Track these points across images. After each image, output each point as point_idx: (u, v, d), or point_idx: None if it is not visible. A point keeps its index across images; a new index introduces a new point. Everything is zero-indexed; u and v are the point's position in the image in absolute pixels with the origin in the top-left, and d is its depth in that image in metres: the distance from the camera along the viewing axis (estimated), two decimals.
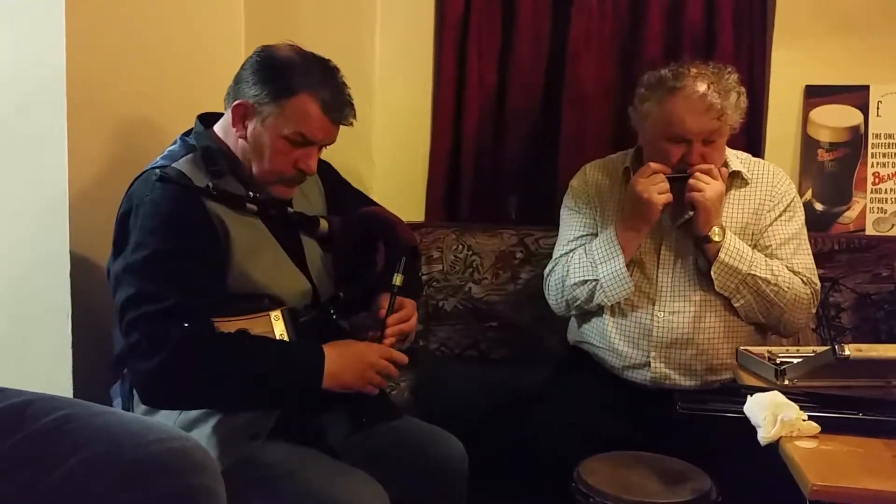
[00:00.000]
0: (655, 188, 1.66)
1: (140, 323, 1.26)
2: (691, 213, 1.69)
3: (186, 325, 1.25)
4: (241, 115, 1.38)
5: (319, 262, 1.50)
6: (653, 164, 1.69)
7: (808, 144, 2.24)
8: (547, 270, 1.87)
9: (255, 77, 1.37)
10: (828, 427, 1.14)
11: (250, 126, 1.38)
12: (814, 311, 1.78)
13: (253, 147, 1.39)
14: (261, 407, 1.34)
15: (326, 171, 1.61)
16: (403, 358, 1.43)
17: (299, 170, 1.40)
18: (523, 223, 2.30)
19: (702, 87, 1.64)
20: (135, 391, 1.33)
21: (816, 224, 2.21)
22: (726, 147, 1.77)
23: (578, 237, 1.82)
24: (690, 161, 1.67)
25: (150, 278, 1.28)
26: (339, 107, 1.39)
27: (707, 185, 1.65)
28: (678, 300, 1.73)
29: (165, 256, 1.29)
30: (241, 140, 1.40)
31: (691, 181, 1.66)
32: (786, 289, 1.67)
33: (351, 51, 2.33)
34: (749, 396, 1.20)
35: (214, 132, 1.45)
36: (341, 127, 1.43)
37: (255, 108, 1.37)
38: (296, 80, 1.35)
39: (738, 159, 1.80)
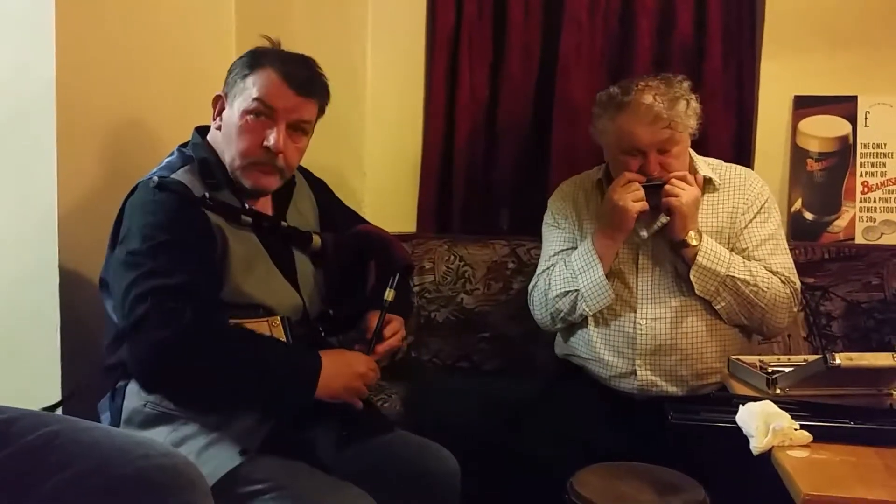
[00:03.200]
0: (631, 196, 1.69)
1: (152, 295, 1.24)
2: (665, 219, 1.72)
3: (195, 307, 1.25)
4: (219, 108, 1.43)
5: (311, 278, 1.50)
6: (628, 174, 1.72)
7: (798, 154, 2.25)
8: (531, 286, 1.89)
9: (232, 67, 1.43)
10: (820, 436, 1.14)
11: (225, 115, 1.42)
12: (795, 309, 1.79)
13: (224, 134, 1.41)
14: (252, 404, 1.32)
15: (320, 188, 1.61)
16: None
17: (266, 149, 1.39)
18: (515, 234, 2.30)
19: (648, 98, 1.69)
20: (123, 390, 1.32)
21: (806, 233, 2.22)
22: (695, 154, 1.81)
23: (559, 251, 1.85)
24: (648, 171, 1.71)
25: (161, 259, 1.28)
26: (303, 77, 1.40)
27: (683, 191, 1.68)
28: (658, 306, 1.74)
29: (173, 245, 1.29)
30: (218, 133, 1.43)
31: (667, 187, 1.69)
32: (765, 289, 1.69)
33: (343, 64, 2.34)
34: (741, 406, 1.20)
35: (209, 142, 1.46)
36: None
37: (228, 95, 1.41)
38: (264, 58, 1.40)
39: (707, 165, 1.83)
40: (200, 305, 1.25)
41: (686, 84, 1.74)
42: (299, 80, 1.39)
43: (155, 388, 1.30)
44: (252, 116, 1.37)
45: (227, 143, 1.40)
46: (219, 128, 1.41)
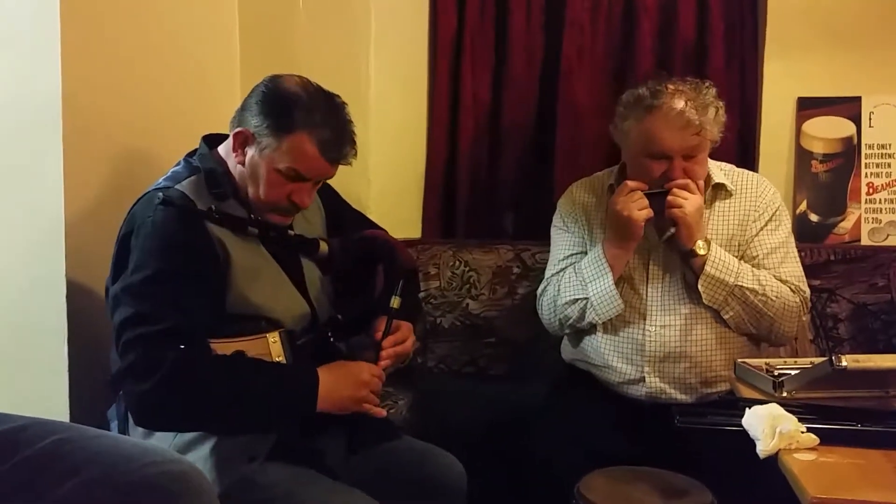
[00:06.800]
0: (635, 205, 1.67)
1: (135, 344, 1.26)
2: (674, 229, 1.70)
3: (182, 347, 1.25)
4: (241, 143, 1.39)
5: (318, 284, 1.51)
6: (630, 182, 1.70)
7: (802, 156, 2.25)
8: (540, 290, 1.88)
9: (259, 107, 1.37)
10: (827, 439, 1.13)
11: (249, 153, 1.39)
12: (805, 318, 1.78)
13: (249, 174, 1.40)
14: (256, 430, 1.34)
15: (327, 192, 1.61)
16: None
17: (293, 202, 1.40)
18: (519, 238, 2.31)
19: (679, 103, 1.66)
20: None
21: (812, 235, 2.22)
22: (709, 160, 1.79)
23: (568, 256, 1.84)
24: (673, 177, 1.68)
25: (148, 300, 1.28)
26: (338, 147, 1.38)
27: (685, 200, 1.66)
28: (668, 314, 1.74)
29: (164, 278, 1.29)
30: (239, 166, 1.41)
31: (670, 198, 1.67)
32: (774, 298, 1.68)
33: (346, 70, 2.35)
34: (747, 409, 1.20)
35: (218, 154, 1.46)
36: None
37: (255, 138, 1.37)
38: (296, 117, 1.35)
39: (721, 171, 1.81)
40: (187, 346, 1.26)
41: (713, 90, 1.71)
42: (335, 150, 1.37)
43: (151, 429, 1.32)
44: (283, 176, 1.37)
45: (251, 182, 1.40)
46: (241, 162, 1.40)
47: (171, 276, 1.30)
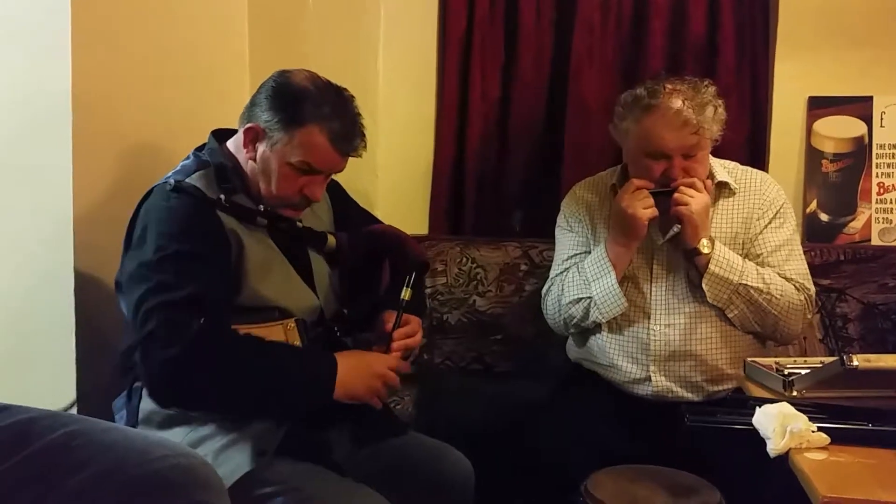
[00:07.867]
0: (640, 203, 1.67)
1: (159, 311, 1.25)
2: (679, 227, 1.70)
3: (202, 320, 1.25)
4: (252, 138, 1.40)
5: (326, 278, 1.51)
6: (636, 181, 1.70)
7: (813, 155, 2.24)
8: (544, 290, 1.89)
9: (269, 103, 1.38)
10: (837, 438, 1.13)
11: (260, 149, 1.39)
12: (809, 316, 1.77)
13: (261, 169, 1.40)
14: (270, 413, 1.33)
15: (334, 188, 1.61)
16: (406, 367, 1.43)
17: (304, 196, 1.41)
18: (527, 236, 2.30)
19: (677, 103, 1.66)
20: (140, 390, 1.33)
21: (822, 235, 2.21)
22: (712, 158, 1.79)
23: (572, 256, 1.84)
24: (672, 176, 1.68)
25: (169, 271, 1.28)
26: (348, 139, 1.39)
27: (692, 199, 1.66)
28: (672, 313, 1.73)
29: (183, 256, 1.30)
30: (250, 162, 1.42)
31: (676, 195, 1.67)
32: (778, 296, 1.67)
33: (355, 67, 2.35)
34: (757, 408, 1.19)
35: (227, 148, 1.46)
36: None
37: (266, 133, 1.38)
38: (307, 111, 1.36)
39: (724, 169, 1.81)
40: (208, 318, 1.26)
41: (712, 89, 1.70)
42: (346, 142, 1.38)
43: (167, 404, 1.32)
44: (295, 170, 1.38)
45: (263, 177, 1.40)
46: (252, 158, 1.40)
47: (188, 255, 1.30)
